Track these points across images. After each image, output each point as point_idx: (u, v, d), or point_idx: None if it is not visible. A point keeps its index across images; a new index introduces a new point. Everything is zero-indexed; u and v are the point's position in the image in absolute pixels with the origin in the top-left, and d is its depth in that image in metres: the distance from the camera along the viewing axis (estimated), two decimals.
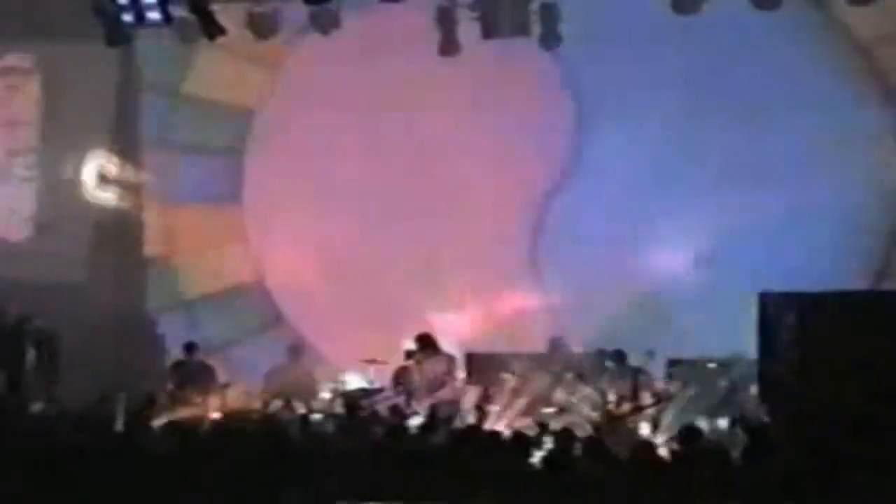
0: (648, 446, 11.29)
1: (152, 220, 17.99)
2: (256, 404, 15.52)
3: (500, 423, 14.33)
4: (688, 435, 11.04)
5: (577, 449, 10.92)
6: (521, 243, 17.14)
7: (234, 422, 13.40)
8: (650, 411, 14.51)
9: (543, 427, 13.37)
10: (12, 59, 17.90)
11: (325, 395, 15.92)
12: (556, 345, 15.84)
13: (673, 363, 15.46)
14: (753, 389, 13.95)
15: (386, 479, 9.60)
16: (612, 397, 14.81)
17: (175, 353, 16.57)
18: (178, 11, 15.72)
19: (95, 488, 9.59)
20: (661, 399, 14.69)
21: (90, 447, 10.48)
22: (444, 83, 16.72)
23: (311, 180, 17.40)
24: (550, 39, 15.87)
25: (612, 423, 14.24)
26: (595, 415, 14.58)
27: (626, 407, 14.71)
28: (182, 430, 11.94)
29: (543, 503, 9.28)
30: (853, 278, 15.86)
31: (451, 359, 15.54)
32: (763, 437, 10.80)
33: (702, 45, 16.38)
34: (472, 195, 17.02)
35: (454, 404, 15.02)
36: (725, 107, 16.55)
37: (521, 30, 15.69)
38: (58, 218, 17.60)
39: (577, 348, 15.77)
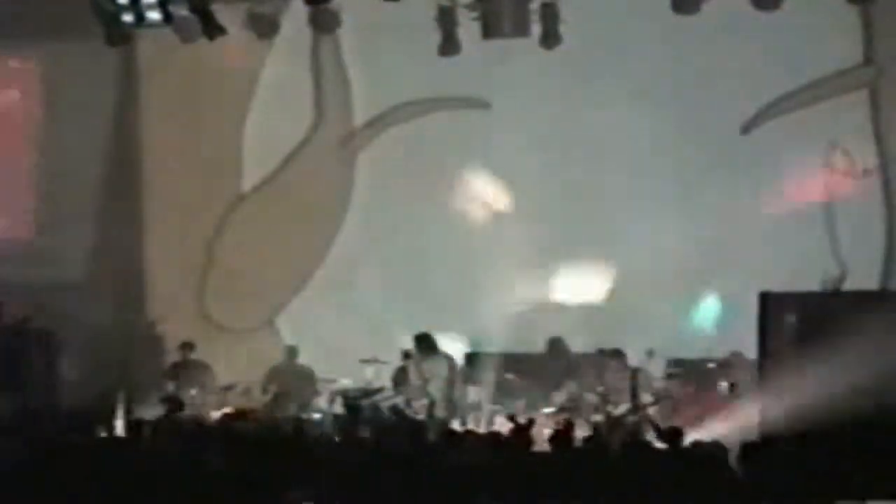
0: (646, 445, 11.31)
1: None
2: (256, 404, 15.54)
3: (499, 422, 14.35)
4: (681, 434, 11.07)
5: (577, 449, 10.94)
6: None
7: (233, 422, 13.40)
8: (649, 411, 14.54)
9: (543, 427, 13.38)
10: (12, 60, 17.89)
11: (325, 395, 15.93)
12: (555, 345, 15.85)
13: (673, 363, 15.47)
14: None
15: (385, 478, 9.61)
16: (611, 397, 14.82)
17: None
18: (179, 11, 15.73)
19: (95, 488, 9.60)
20: (660, 398, 14.71)
21: (90, 447, 10.50)
22: None
23: None
24: (550, 39, 15.87)
25: (611, 423, 14.24)
26: (595, 414, 14.58)
27: (626, 406, 14.72)
28: (181, 430, 11.95)
29: (543, 502, 9.29)
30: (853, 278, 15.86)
31: (450, 359, 15.55)
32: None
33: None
34: None
35: (453, 404, 15.04)
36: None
37: (522, 30, 15.70)
38: (58, 218, 17.59)
39: (576, 348, 15.78)
